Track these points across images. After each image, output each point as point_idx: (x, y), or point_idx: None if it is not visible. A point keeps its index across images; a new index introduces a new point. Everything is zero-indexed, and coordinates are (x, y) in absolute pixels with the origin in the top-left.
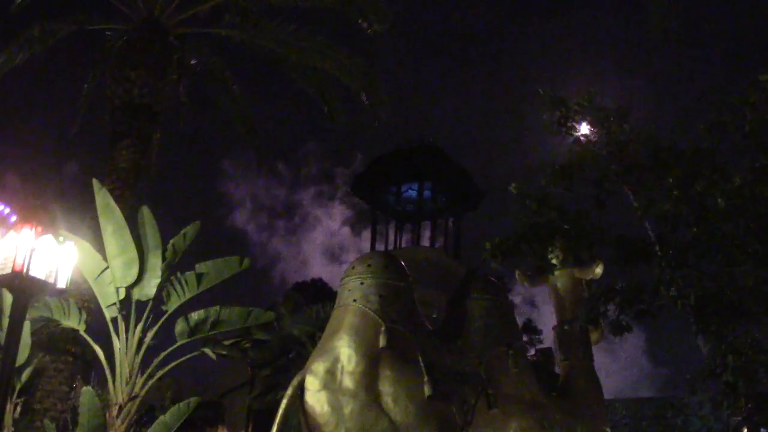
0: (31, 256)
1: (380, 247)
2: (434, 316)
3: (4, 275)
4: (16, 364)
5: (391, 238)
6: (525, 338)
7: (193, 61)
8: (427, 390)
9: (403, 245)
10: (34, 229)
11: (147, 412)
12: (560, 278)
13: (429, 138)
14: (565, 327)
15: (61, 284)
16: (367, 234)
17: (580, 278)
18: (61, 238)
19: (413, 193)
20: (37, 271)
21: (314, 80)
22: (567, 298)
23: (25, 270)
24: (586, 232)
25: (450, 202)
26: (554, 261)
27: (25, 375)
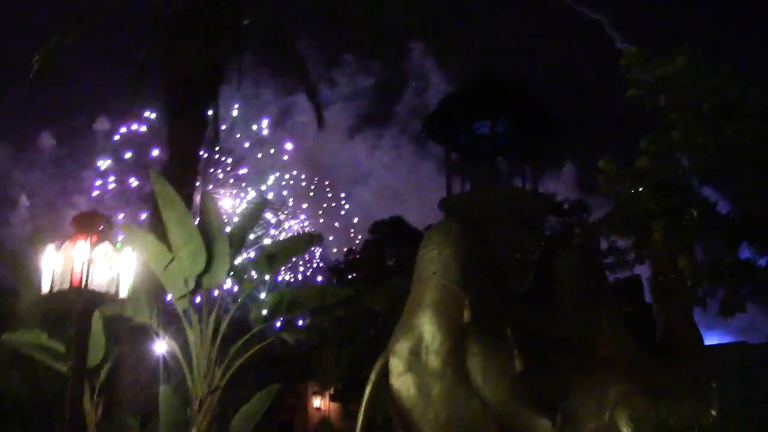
0: (89, 268)
1: (456, 188)
2: (517, 256)
3: (63, 291)
4: (93, 364)
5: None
6: (610, 260)
7: (245, 21)
8: (518, 365)
9: (479, 184)
10: (88, 239)
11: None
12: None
13: (503, 73)
14: (660, 278)
15: (123, 293)
16: None
17: None
18: (118, 245)
19: (486, 131)
20: (97, 283)
21: (371, 28)
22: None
23: (83, 284)
24: (690, 208)
25: (525, 137)
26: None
27: (104, 373)
